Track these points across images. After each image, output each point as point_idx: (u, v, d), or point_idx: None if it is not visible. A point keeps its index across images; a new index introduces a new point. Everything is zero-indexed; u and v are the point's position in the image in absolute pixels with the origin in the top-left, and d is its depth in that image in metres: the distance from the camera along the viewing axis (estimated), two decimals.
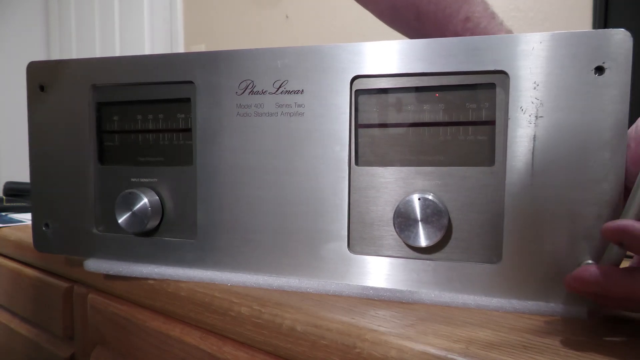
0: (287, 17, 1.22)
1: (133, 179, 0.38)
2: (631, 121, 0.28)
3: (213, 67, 0.35)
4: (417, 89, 0.31)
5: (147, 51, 1.53)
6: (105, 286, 0.43)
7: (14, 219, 0.65)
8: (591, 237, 0.28)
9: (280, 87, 0.33)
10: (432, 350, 0.24)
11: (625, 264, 0.26)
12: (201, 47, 1.43)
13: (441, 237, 0.30)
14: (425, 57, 0.30)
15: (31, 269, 0.54)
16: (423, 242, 0.30)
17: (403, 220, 0.30)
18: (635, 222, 0.23)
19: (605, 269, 0.24)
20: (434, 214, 0.30)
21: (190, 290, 0.35)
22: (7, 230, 0.58)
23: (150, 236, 0.38)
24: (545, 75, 0.28)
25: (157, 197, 0.37)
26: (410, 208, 0.30)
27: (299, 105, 0.33)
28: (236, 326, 0.32)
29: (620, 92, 0.27)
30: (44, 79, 0.39)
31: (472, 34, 0.41)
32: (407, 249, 0.32)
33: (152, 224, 0.37)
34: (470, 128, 0.30)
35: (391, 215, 0.32)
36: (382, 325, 0.27)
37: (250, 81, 0.34)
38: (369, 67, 0.31)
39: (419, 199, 0.30)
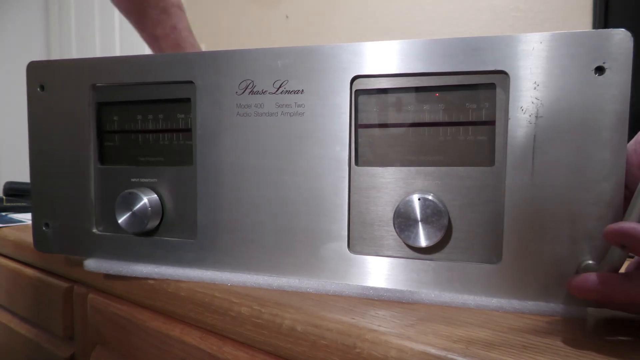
0: (287, 17, 1.22)
1: (133, 179, 0.38)
2: (631, 122, 0.28)
3: (213, 67, 0.35)
4: (417, 89, 0.31)
5: (147, 51, 1.53)
6: (105, 286, 0.43)
7: (14, 219, 0.65)
8: (591, 237, 0.28)
9: (280, 87, 0.33)
10: (432, 350, 0.24)
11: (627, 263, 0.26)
12: (201, 47, 1.43)
13: (441, 237, 0.30)
14: (425, 57, 0.30)
15: (31, 269, 0.54)
16: (423, 242, 0.30)
17: (403, 221, 0.30)
18: (637, 224, 0.23)
19: (604, 276, 0.24)
20: (434, 214, 0.30)
21: (190, 290, 0.35)
22: (7, 230, 0.58)
23: (150, 236, 0.38)
24: (546, 75, 0.28)
25: (157, 197, 0.37)
26: (410, 208, 0.30)
27: (299, 105, 0.33)
28: (236, 326, 0.32)
29: (621, 92, 0.27)
30: (44, 79, 0.39)
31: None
32: (407, 249, 0.32)
33: (152, 224, 0.37)
34: (470, 128, 0.30)
35: (391, 215, 0.32)
36: (382, 325, 0.27)
37: (250, 81, 0.34)
38: (369, 67, 0.31)
39: (419, 199, 0.30)
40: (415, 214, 0.30)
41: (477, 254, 0.30)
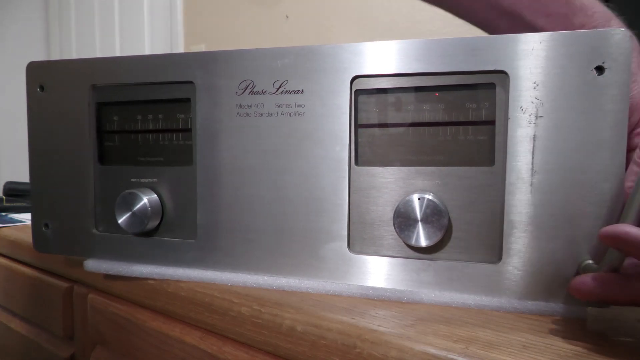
0: (287, 17, 1.22)
1: (133, 179, 0.38)
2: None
3: (213, 67, 0.35)
4: (417, 89, 0.31)
5: (147, 51, 1.53)
6: (105, 286, 0.43)
7: (14, 219, 0.65)
8: (591, 236, 0.28)
9: (280, 87, 0.33)
10: (432, 350, 0.24)
11: None
12: (201, 47, 1.43)
13: (441, 237, 0.30)
14: (425, 57, 0.30)
15: (31, 269, 0.54)
16: (423, 242, 0.30)
17: (403, 220, 0.30)
18: (632, 227, 0.23)
19: (602, 277, 0.25)
20: (434, 214, 0.30)
21: (190, 290, 0.35)
22: (7, 230, 0.58)
23: (150, 236, 0.38)
24: (545, 75, 0.28)
25: (157, 197, 0.37)
26: (410, 208, 0.30)
27: (299, 105, 0.33)
28: (236, 326, 0.32)
29: (620, 92, 0.27)
30: (44, 79, 0.39)
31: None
32: (407, 249, 0.32)
33: (152, 224, 0.37)
34: (470, 128, 0.30)
35: (391, 215, 0.32)
36: (382, 325, 0.27)
37: (250, 81, 0.34)
38: (369, 67, 0.31)
39: (419, 199, 0.30)
40: (415, 213, 0.30)
41: (477, 254, 0.30)
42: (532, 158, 0.28)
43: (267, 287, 0.34)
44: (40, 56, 1.84)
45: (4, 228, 0.59)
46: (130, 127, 0.39)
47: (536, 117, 0.28)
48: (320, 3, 1.15)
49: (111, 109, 0.39)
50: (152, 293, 0.38)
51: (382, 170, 0.32)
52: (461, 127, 0.31)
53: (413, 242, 0.30)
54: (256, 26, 1.29)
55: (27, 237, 0.51)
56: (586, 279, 0.25)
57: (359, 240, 0.33)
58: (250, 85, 0.34)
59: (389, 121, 0.32)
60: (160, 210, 0.37)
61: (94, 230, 0.39)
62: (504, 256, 0.29)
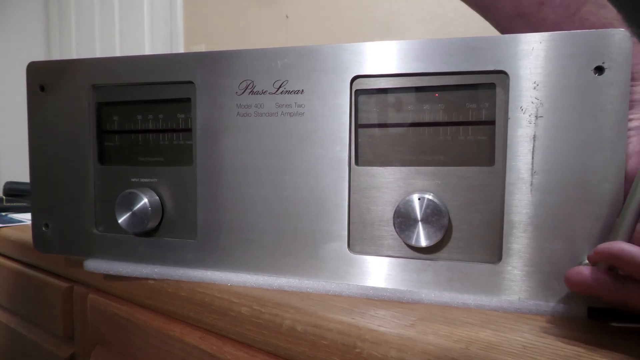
0: (287, 17, 1.22)
1: (133, 179, 0.38)
2: None
3: (213, 67, 0.35)
4: (417, 89, 0.31)
5: (147, 51, 1.53)
6: (105, 286, 0.43)
7: (14, 219, 0.65)
8: (591, 236, 0.28)
9: (280, 87, 0.33)
10: (432, 350, 0.24)
11: None
12: (201, 47, 1.43)
13: (441, 237, 0.30)
14: (425, 57, 0.30)
15: (31, 269, 0.54)
16: (423, 242, 0.30)
17: (403, 220, 0.30)
18: (624, 244, 0.23)
19: (597, 273, 0.25)
20: (434, 214, 0.30)
21: (190, 290, 0.35)
22: (7, 230, 0.58)
23: (150, 236, 0.38)
24: (545, 75, 0.28)
25: (157, 197, 0.37)
26: (410, 208, 0.30)
27: (299, 105, 0.33)
28: (236, 326, 0.32)
29: (620, 92, 0.27)
30: (44, 79, 0.39)
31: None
32: (407, 249, 0.32)
33: (152, 224, 0.37)
34: (470, 128, 0.30)
35: (391, 215, 0.32)
36: (382, 325, 0.27)
37: (250, 81, 0.34)
38: (369, 67, 0.31)
39: (419, 199, 0.30)
40: (415, 213, 0.30)
41: (477, 254, 0.30)
42: (532, 158, 0.28)
43: (267, 287, 0.34)
44: (40, 56, 1.84)
45: (4, 228, 0.59)
46: (131, 127, 0.39)
47: (536, 117, 0.28)
48: (320, 3, 1.15)
49: (111, 109, 0.39)
50: (152, 293, 0.38)
51: (382, 170, 0.32)
52: (461, 127, 0.31)
53: (413, 242, 0.30)
54: (256, 26, 1.29)
55: (27, 237, 0.51)
56: (583, 269, 0.25)
57: (359, 240, 0.33)
58: (251, 85, 0.34)
59: (389, 121, 0.32)
60: (161, 210, 0.37)
61: (94, 230, 0.39)
62: (504, 256, 0.29)
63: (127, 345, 0.41)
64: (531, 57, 0.28)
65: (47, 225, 0.40)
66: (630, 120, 0.28)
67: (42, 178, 0.40)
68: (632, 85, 0.28)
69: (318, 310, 0.29)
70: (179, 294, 0.36)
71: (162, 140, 0.38)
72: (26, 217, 0.66)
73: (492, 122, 0.30)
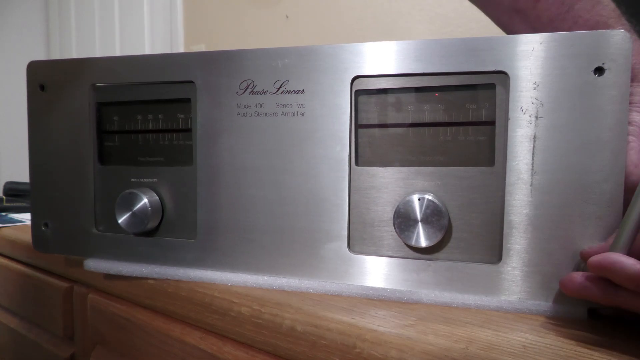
0: (287, 17, 1.22)
1: (133, 179, 0.38)
2: None
3: (213, 67, 0.35)
4: (417, 89, 0.31)
5: (147, 51, 1.53)
6: (105, 286, 0.43)
7: (14, 219, 0.65)
8: (591, 237, 0.28)
9: (280, 87, 0.33)
10: (432, 350, 0.24)
11: None
12: (201, 47, 1.43)
13: (441, 237, 0.30)
14: (425, 58, 0.30)
15: (31, 269, 0.54)
16: (423, 242, 0.30)
17: (403, 221, 0.30)
18: (615, 256, 0.23)
19: (591, 278, 0.25)
20: (434, 214, 0.30)
21: (190, 290, 0.35)
22: (7, 230, 0.58)
23: (150, 236, 0.38)
24: (545, 75, 0.28)
25: (157, 197, 0.37)
26: (410, 208, 0.30)
27: (300, 105, 0.33)
28: (236, 326, 0.32)
29: (620, 93, 0.27)
30: (44, 79, 0.39)
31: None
32: (407, 249, 0.32)
33: (152, 224, 0.37)
34: (470, 128, 0.31)
35: (391, 215, 0.32)
36: (382, 325, 0.27)
37: (250, 81, 0.34)
38: (369, 67, 0.31)
39: (419, 199, 0.30)
40: (415, 214, 0.30)
41: (477, 254, 0.30)
42: (532, 158, 0.28)
43: (267, 287, 0.34)
44: (40, 56, 1.84)
45: (4, 228, 0.59)
46: (131, 127, 0.39)
47: (536, 117, 0.28)
48: (320, 3, 1.15)
49: (111, 109, 0.39)
50: (152, 293, 0.38)
51: (382, 171, 0.32)
52: (461, 128, 0.31)
53: (413, 243, 0.30)
54: (256, 26, 1.29)
55: (27, 237, 0.51)
56: (575, 277, 0.26)
57: (359, 240, 0.33)
58: (251, 85, 0.34)
59: (389, 121, 0.32)
60: (160, 210, 0.37)
61: (94, 230, 0.39)
62: (503, 256, 0.29)
63: (127, 345, 0.41)
64: (531, 57, 0.28)
65: (46, 225, 0.40)
66: (630, 120, 0.28)
67: (42, 178, 0.40)
68: (631, 86, 0.28)
69: (318, 310, 0.29)
70: (179, 294, 0.36)
71: (162, 140, 0.38)
72: (26, 217, 0.66)
73: (492, 123, 0.30)
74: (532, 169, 0.28)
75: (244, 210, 0.34)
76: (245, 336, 0.32)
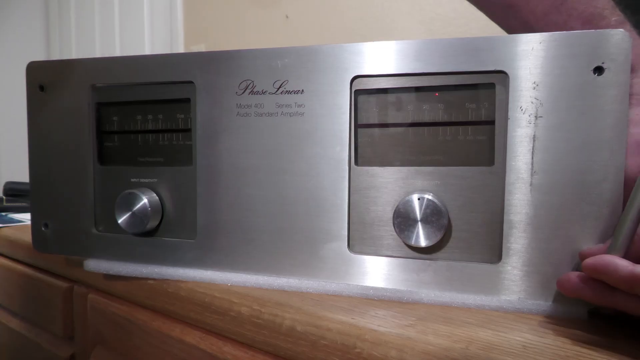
0: (287, 17, 1.22)
1: (133, 179, 0.38)
2: None
3: (213, 67, 0.35)
4: (417, 89, 0.31)
5: (147, 51, 1.53)
6: (105, 286, 0.43)
7: (14, 219, 0.65)
8: (590, 237, 0.28)
9: (280, 87, 0.33)
10: (432, 350, 0.24)
11: None
12: (201, 47, 1.43)
13: (441, 237, 0.30)
14: (425, 57, 0.30)
15: (31, 269, 0.54)
16: (423, 242, 0.30)
17: (403, 221, 0.30)
18: (613, 258, 0.23)
19: (586, 281, 0.25)
20: (434, 214, 0.30)
21: (190, 290, 0.35)
22: (7, 230, 0.58)
23: (150, 236, 0.38)
24: (545, 75, 0.28)
25: (157, 198, 0.37)
26: (409, 208, 0.30)
27: (299, 105, 0.33)
28: (236, 326, 0.32)
29: (620, 92, 0.27)
30: (44, 79, 0.39)
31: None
32: (407, 249, 0.32)
33: (152, 224, 0.37)
34: (469, 128, 0.30)
35: (391, 215, 0.32)
36: (382, 325, 0.27)
37: (250, 81, 0.34)
38: (369, 67, 0.31)
39: (419, 199, 0.30)
40: (415, 213, 0.30)
41: (476, 254, 0.30)
42: (532, 158, 0.28)
43: (267, 287, 0.34)
44: (40, 56, 1.84)
45: (4, 228, 0.59)
46: (130, 127, 0.39)
47: (536, 117, 0.28)
48: (320, 3, 1.15)
49: (111, 109, 0.39)
50: (152, 293, 0.38)
51: (382, 170, 0.32)
52: (461, 127, 0.31)
53: (413, 242, 0.30)
54: (256, 26, 1.29)
55: (27, 237, 0.51)
56: (571, 277, 0.26)
57: (359, 240, 0.33)
58: (251, 85, 0.34)
59: (389, 121, 0.32)
60: (160, 210, 0.37)
61: (94, 230, 0.39)
62: (503, 256, 0.29)
63: (127, 345, 0.41)
64: (531, 57, 0.28)
65: (46, 225, 0.40)
66: (630, 118, 0.28)
67: (42, 178, 0.40)
68: (631, 78, 0.28)
69: (318, 310, 0.29)
70: (179, 294, 0.36)
71: (162, 140, 0.38)
72: (26, 217, 0.66)
73: (491, 122, 0.30)
74: (532, 169, 0.28)
75: (244, 210, 0.34)
76: (245, 336, 0.32)
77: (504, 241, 0.29)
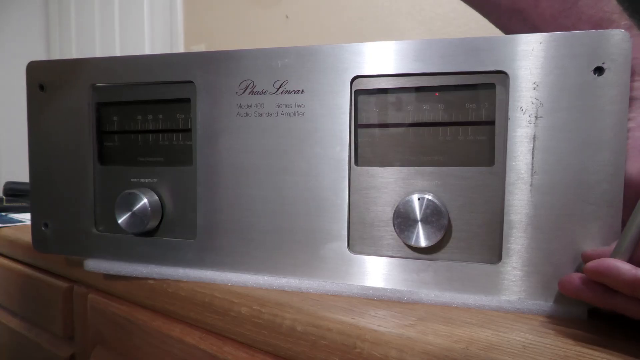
0: (287, 17, 1.22)
1: (133, 179, 0.38)
2: None
3: (213, 67, 0.35)
4: (417, 89, 0.31)
5: (147, 51, 1.53)
6: (105, 286, 0.43)
7: (14, 219, 0.65)
8: (590, 237, 0.28)
9: (280, 87, 0.33)
10: (432, 350, 0.24)
11: None
12: (201, 47, 1.43)
13: (441, 237, 0.30)
14: (425, 57, 0.30)
15: (31, 269, 0.54)
16: (423, 242, 0.30)
17: (403, 221, 0.30)
18: (616, 261, 0.23)
19: (588, 283, 0.25)
20: (434, 214, 0.30)
21: (190, 290, 0.35)
22: (7, 230, 0.58)
23: (150, 236, 0.38)
24: (545, 75, 0.28)
25: (157, 197, 0.37)
26: (410, 208, 0.30)
27: (299, 105, 0.33)
28: (236, 326, 0.32)
29: (620, 92, 0.27)
30: (44, 79, 0.39)
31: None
32: (407, 249, 0.32)
33: (152, 224, 0.37)
34: (470, 128, 0.30)
35: (391, 215, 0.32)
36: (382, 325, 0.27)
37: (250, 81, 0.34)
38: (369, 67, 0.31)
39: (419, 199, 0.30)
40: (415, 214, 0.30)
41: (476, 254, 0.30)
42: (532, 158, 0.28)
43: (267, 287, 0.34)
44: (40, 56, 1.84)
45: (4, 228, 0.59)
46: (130, 127, 0.39)
47: (536, 117, 0.28)
48: (320, 3, 1.15)
49: (111, 109, 0.39)
50: (152, 293, 0.38)
51: (382, 171, 0.32)
52: (461, 127, 0.31)
53: (413, 243, 0.30)
54: (256, 26, 1.29)
55: (27, 237, 0.51)
56: (573, 278, 0.26)
57: (359, 240, 0.33)
58: (251, 85, 0.34)
59: (389, 121, 0.32)
60: (160, 210, 0.37)
61: (94, 230, 0.39)
62: (503, 256, 0.29)
63: (127, 345, 0.41)
64: (531, 57, 0.28)
65: (46, 225, 0.40)
66: (630, 119, 0.28)
67: (42, 178, 0.40)
68: (632, 81, 0.28)
69: (318, 310, 0.29)
70: (179, 294, 0.36)
71: (162, 140, 0.38)
72: (26, 217, 0.66)
73: (492, 122, 0.30)
74: (532, 169, 0.28)
75: (244, 210, 0.34)
76: (245, 336, 0.32)
77: (504, 241, 0.29)
